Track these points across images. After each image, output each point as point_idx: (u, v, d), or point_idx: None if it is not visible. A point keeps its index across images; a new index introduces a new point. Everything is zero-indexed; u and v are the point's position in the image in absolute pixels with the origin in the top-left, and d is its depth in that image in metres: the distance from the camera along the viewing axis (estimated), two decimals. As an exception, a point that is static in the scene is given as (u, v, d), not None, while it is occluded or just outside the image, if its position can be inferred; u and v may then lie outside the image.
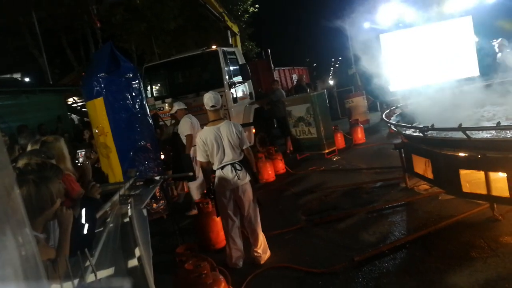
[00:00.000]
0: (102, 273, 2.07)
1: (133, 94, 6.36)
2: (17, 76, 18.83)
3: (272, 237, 4.75)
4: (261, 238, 4.41)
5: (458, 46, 10.69)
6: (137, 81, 6.48)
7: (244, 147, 4.32)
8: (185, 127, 6.57)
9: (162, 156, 7.51)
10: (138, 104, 6.42)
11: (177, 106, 6.96)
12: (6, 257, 0.61)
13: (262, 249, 4.39)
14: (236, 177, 4.20)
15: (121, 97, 6.28)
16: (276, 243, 4.69)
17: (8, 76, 17.88)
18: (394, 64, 11.04)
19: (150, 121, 6.90)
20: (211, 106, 4.25)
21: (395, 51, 11.42)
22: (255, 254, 4.37)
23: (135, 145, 6.29)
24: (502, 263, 3.35)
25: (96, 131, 6.43)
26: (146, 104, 6.96)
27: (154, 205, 6.37)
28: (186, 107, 7.00)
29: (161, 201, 6.43)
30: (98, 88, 6.24)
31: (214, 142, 4.17)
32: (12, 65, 18.43)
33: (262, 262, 4.35)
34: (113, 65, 6.38)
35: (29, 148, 3.30)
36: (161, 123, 9.12)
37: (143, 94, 6.76)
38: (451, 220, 4.29)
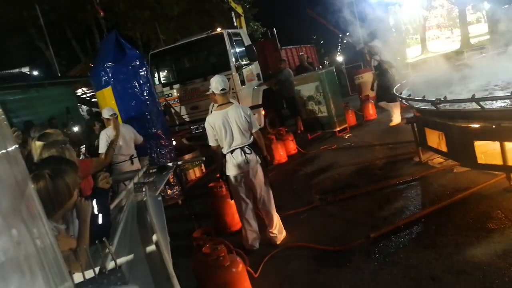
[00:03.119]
0: (122, 261, 2.11)
1: (141, 81, 6.38)
2: (25, 70, 18.98)
3: (287, 217, 4.78)
4: (276, 218, 4.44)
5: (468, 14, 10.41)
6: (144, 68, 6.48)
7: (254, 131, 4.29)
8: (101, 143, 5.32)
9: (174, 142, 7.56)
10: (146, 92, 6.44)
11: (103, 113, 5.63)
12: (28, 250, 0.62)
13: (278, 230, 4.42)
14: (246, 160, 4.19)
15: (129, 85, 6.31)
16: (291, 223, 4.72)
17: (17, 70, 18.02)
18: (405, 36, 10.83)
19: (160, 108, 6.92)
20: (221, 90, 4.19)
21: (404, 22, 11.17)
22: (271, 234, 4.41)
23: (146, 133, 6.33)
24: (521, 233, 3.32)
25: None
26: (155, 91, 6.96)
27: (169, 191, 6.45)
28: (110, 117, 5.38)
29: (175, 187, 6.50)
30: (105, 77, 6.27)
31: (222, 127, 4.15)
32: (20, 59, 18.56)
33: (278, 242, 4.39)
34: (119, 53, 6.39)
35: (33, 145, 3.28)
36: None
37: (151, 81, 6.76)
38: (467, 192, 4.25)
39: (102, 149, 5.25)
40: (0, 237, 0.49)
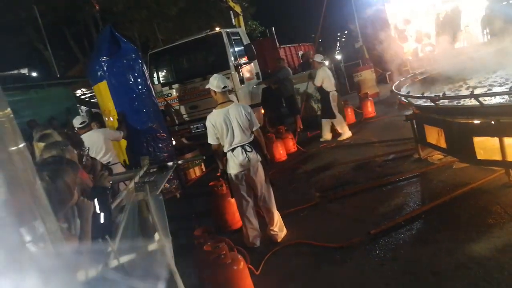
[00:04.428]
0: (124, 259, 2.12)
1: (136, 75, 6.37)
2: (24, 71, 18.97)
3: (287, 215, 4.80)
4: (277, 216, 4.46)
5: (465, 10, 10.42)
6: (139, 62, 6.46)
7: (254, 129, 4.31)
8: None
9: (174, 142, 7.56)
10: (141, 85, 6.42)
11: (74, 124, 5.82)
12: (40, 246, 0.63)
13: (278, 227, 4.44)
14: (247, 158, 4.21)
15: (124, 79, 6.30)
16: (292, 220, 4.74)
17: (16, 72, 18.02)
18: (402, 33, 10.86)
19: (156, 102, 6.90)
20: (223, 88, 4.21)
21: (401, 20, 11.21)
22: (272, 232, 4.43)
23: (142, 127, 6.34)
24: (520, 228, 3.34)
25: (105, 118, 6.53)
26: (151, 85, 6.94)
27: (166, 185, 6.45)
28: (81, 125, 5.60)
29: (173, 181, 6.51)
30: (101, 72, 6.28)
31: (223, 125, 4.16)
32: (18, 60, 18.55)
33: (279, 240, 4.41)
34: (114, 47, 6.39)
35: (37, 146, 3.28)
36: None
37: (147, 75, 6.74)
38: (466, 188, 4.27)
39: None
40: (13, 232, 0.50)
